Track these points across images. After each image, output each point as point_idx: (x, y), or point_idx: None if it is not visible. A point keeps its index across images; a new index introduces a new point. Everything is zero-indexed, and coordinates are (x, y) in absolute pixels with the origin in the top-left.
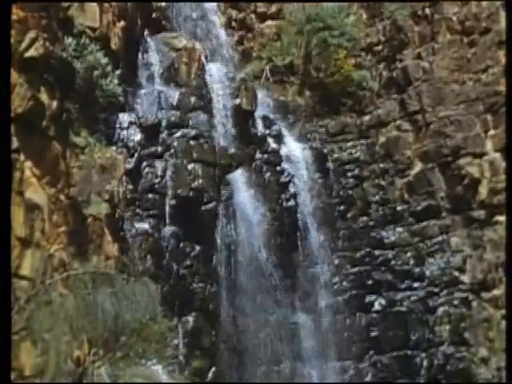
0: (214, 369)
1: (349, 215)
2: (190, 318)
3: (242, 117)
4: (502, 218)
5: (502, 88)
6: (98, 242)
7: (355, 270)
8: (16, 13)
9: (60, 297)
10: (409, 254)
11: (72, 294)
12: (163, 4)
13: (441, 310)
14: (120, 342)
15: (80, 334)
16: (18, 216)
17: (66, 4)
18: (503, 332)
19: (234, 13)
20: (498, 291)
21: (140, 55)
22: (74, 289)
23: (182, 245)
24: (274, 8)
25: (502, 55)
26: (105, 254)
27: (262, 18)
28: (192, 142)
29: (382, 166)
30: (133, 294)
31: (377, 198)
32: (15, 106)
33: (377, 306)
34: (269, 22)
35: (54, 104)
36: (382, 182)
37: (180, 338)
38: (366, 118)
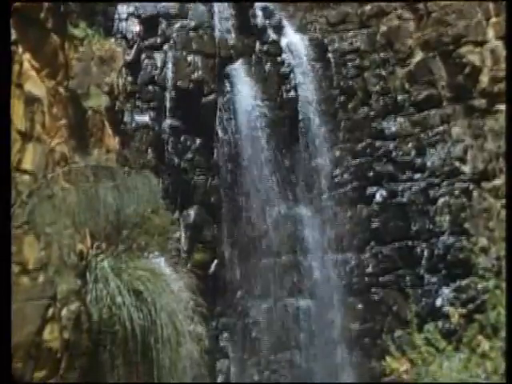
0: (216, 261)
1: (349, 106)
2: (192, 212)
3: (242, 7)
4: (502, 107)
5: None
6: (98, 135)
7: (356, 161)
8: None
9: (62, 191)
10: (410, 145)
11: (74, 187)
12: None
13: (441, 200)
14: (122, 236)
15: (82, 228)
16: (17, 109)
17: None
18: (503, 222)
19: None
20: (499, 181)
21: None
22: (76, 182)
23: (182, 138)
24: None
25: None
26: (105, 147)
27: None
28: (191, 34)
29: (382, 55)
30: (134, 188)
31: (377, 87)
32: None
33: (378, 198)
34: None
35: None
36: (383, 72)
37: (182, 231)
38: (367, 7)
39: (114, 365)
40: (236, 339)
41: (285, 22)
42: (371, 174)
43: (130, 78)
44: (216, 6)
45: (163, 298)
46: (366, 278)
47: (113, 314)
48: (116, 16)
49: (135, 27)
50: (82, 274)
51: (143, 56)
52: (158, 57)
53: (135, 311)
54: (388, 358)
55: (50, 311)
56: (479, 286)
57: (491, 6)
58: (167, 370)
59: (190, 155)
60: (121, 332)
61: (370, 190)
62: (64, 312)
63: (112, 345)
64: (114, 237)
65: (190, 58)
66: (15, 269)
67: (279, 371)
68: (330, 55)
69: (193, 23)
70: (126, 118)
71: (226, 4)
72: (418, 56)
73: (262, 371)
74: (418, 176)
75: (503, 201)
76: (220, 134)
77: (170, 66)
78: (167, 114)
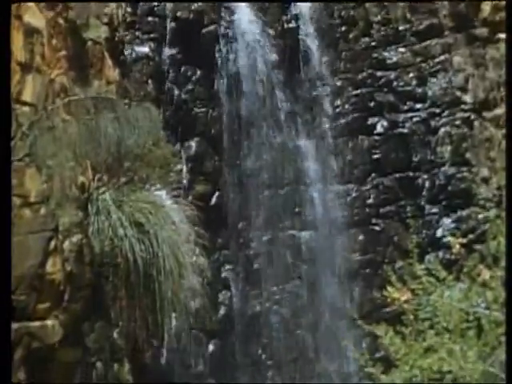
0: (217, 193)
1: (350, 36)
2: (193, 143)
3: None
4: (504, 36)
5: None
6: (98, 66)
7: (357, 91)
8: None
9: (62, 122)
10: (411, 75)
11: (74, 119)
12: None
13: (443, 130)
14: (124, 168)
15: (83, 160)
16: (17, 40)
17: None
18: (504, 151)
19: None
20: (500, 110)
21: None
22: (76, 114)
23: (182, 69)
24: None
25: None
26: (106, 78)
27: None
28: None
29: None
30: (135, 119)
31: (379, 17)
32: None
33: (379, 128)
34: None
35: None
36: (384, 1)
37: (183, 162)
38: None
39: (117, 296)
40: (238, 271)
41: None
42: (372, 104)
43: (129, 9)
44: None
45: (165, 230)
46: (367, 209)
47: (115, 246)
48: None
49: None
50: (83, 207)
51: None
52: None
53: (137, 243)
54: (389, 288)
55: (52, 243)
56: (480, 216)
57: None
58: (169, 301)
59: (190, 86)
60: (123, 264)
61: (371, 120)
62: (66, 244)
63: (114, 277)
64: (115, 169)
65: None
66: (17, 201)
67: (281, 302)
68: None
69: None
70: (126, 49)
71: None
72: None
73: (264, 302)
74: (419, 106)
75: (504, 130)
76: (220, 64)
77: None
78: (167, 44)
